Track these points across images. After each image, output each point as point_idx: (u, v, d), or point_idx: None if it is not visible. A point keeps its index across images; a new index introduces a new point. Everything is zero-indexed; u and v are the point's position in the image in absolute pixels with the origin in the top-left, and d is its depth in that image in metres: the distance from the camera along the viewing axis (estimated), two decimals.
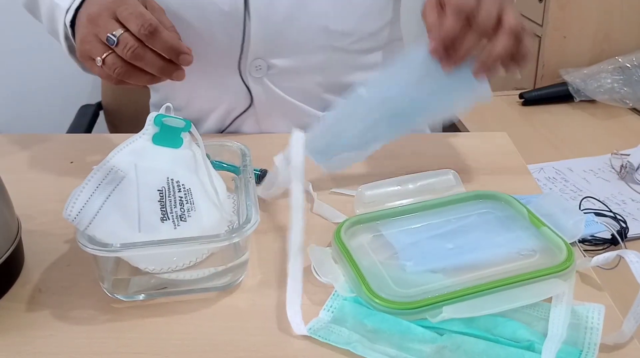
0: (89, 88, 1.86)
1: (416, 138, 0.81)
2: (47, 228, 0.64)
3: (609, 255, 0.53)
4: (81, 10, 0.66)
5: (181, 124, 0.55)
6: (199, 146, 0.57)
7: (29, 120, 1.85)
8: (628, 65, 1.38)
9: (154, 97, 0.97)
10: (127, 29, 0.60)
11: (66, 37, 0.71)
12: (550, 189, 1.08)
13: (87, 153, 0.79)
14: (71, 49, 0.73)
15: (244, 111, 0.85)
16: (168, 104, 0.55)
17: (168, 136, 0.55)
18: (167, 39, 0.60)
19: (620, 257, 0.52)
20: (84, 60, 0.64)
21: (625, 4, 1.42)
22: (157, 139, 0.54)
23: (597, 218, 0.95)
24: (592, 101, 1.38)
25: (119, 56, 0.60)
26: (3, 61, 1.75)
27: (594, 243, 0.92)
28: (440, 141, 0.81)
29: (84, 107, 1.73)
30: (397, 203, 0.63)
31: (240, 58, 0.79)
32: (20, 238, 0.58)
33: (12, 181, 0.58)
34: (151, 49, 0.60)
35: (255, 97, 0.83)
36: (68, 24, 0.68)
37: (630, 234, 0.93)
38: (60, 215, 0.50)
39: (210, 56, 0.80)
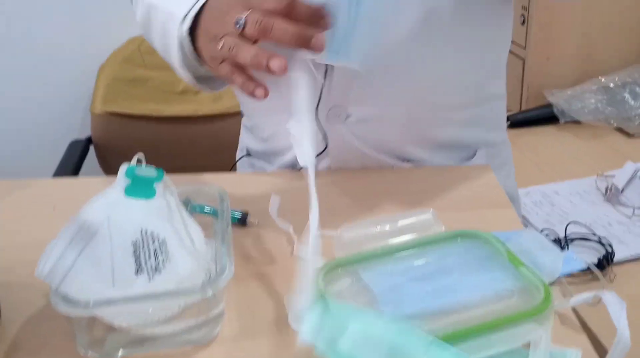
0: (78, 123, 1.86)
1: (395, 174, 0.81)
2: (26, 280, 0.63)
3: (587, 296, 0.53)
4: (203, 14, 0.65)
5: (153, 174, 0.55)
6: (173, 195, 0.57)
7: (18, 156, 1.86)
8: (611, 85, 1.39)
9: (245, 121, 0.95)
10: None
11: (180, 48, 0.69)
12: (537, 214, 1.08)
13: (71, 198, 0.78)
14: (186, 62, 0.71)
15: (319, 154, 0.81)
16: (140, 155, 0.55)
17: (140, 187, 0.55)
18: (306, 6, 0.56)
19: (600, 297, 0.52)
20: (207, 50, 0.63)
21: (606, 25, 1.43)
22: (130, 191, 0.54)
23: (581, 248, 0.95)
24: (578, 122, 1.38)
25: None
26: None
27: (581, 269, 0.91)
28: (421, 176, 0.81)
29: (74, 143, 1.74)
30: (377, 244, 0.63)
31: (318, 103, 0.76)
32: None
33: None
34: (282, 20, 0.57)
35: (331, 143, 0.79)
36: (185, 32, 0.66)
37: (616, 258, 0.93)
38: None
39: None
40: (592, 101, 1.38)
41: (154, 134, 1.76)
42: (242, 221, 0.70)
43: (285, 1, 0.56)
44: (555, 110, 1.40)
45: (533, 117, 1.43)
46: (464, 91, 0.80)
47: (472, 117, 0.83)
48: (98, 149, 1.75)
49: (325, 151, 0.80)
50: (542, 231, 1.01)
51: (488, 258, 0.59)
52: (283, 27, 0.56)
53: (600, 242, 0.95)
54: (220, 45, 0.59)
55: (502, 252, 0.59)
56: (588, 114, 1.37)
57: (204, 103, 1.78)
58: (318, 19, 0.56)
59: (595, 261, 0.93)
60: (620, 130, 1.36)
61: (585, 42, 1.44)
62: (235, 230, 0.69)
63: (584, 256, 0.95)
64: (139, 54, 1.78)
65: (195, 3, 0.66)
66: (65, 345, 0.54)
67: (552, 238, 0.98)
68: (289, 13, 0.57)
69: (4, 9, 1.67)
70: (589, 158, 1.27)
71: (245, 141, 0.93)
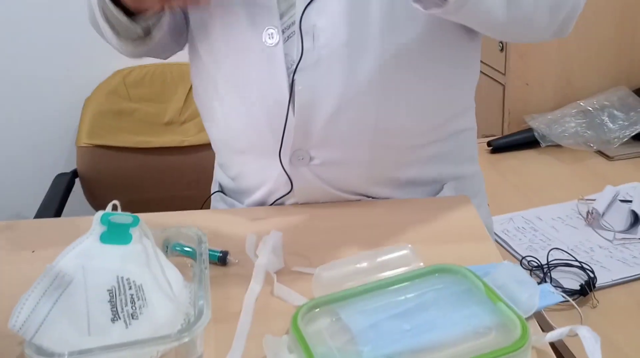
0: (64, 156, 1.86)
1: (373, 206, 0.81)
2: (2, 330, 0.62)
3: (563, 330, 0.53)
4: None
5: (129, 220, 0.55)
6: (149, 240, 0.57)
7: (2, 192, 1.85)
8: (590, 108, 1.41)
9: (217, 157, 0.94)
10: None
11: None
12: (520, 240, 1.09)
13: (52, 240, 0.78)
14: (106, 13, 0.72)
15: (285, 194, 0.81)
16: (115, 202, 0.55)
17: (116, 234, 0.55)
18: None
19: (575, 332, 0.52)
20: None
21: (583, 50, 1.46)
22: (105, 238, 0.54)
23: (564, 274, 0.95)
24: (559, 146, 1.40)
25: None
26: None
27: (563, 295, 0.92)
28: (398, 208, 0.81)
29: (60, 176, 1.74)
30: (355, 283, 0.63)
31: (280, 147, 0.76)
32: None
33: None
34: None
35: (295, 184, 0.79)
36: None
37: (598, 283, 0.94)
38: None
39: (253, 141, 0.79)
40: (572, 124, 1.40)
41: (139, 165, 1.77)
42: (222, 260, 0.70)
43: None
44: (536, 134, 1.41)
45: (514, 142, 1.44)
46: (431, 130, 0.80)
47: (439, 153, 0.82)
48: (84, 182, 1.75)
49: (291, 191, 0.81)
50: (524, 258, 1.02)
51: (466, 293, 0.60)
52: None
53: (582, 268, 0.95)
54: None
55: (480, 287, 0.59)
56: (568, 137, 1.39)
57: (190, 134, 1.79)
58: None
59: (578, 287, 0.93)
60: (600, 153, 1.37)
61: (563, 67, 1.46)
62: (215, 269, 0.69)
63: (567, 282, 0.96)
64: (124, 87, 1.79)
65: None
66: None
67: (535, 265, 0.99)
68: None
69: None
70: (570, 181, 1.28)
71: (218, 176, 0.94)
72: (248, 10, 0.72)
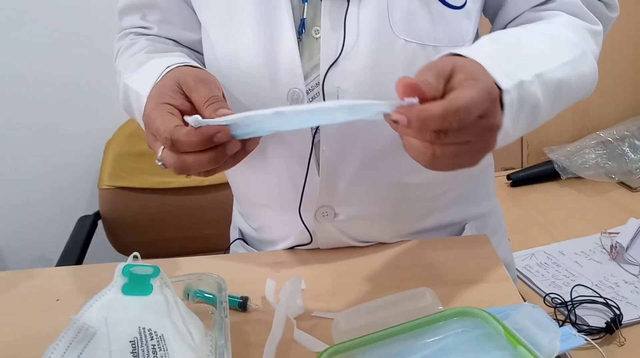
0: (86, 199, 1.89)
1: (392, 248, 0.81)
2: None
3: None
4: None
5: (149, 271, 0.56)
6: (170, 289, 0.58)
7: (27, 235, 1.88)
8: (610, 139, 1.40)
9: (237, 205, 0.96)
10: None
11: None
12: (543, 276, 1.07)
13: (75, 288, 0.80)
14: None
15: (308, 243, 0.82)
16: (135, 253, 0.56)
17: (137, 285, 0.56)
18: (190, 141, 0.56)
19: None
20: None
21: (600, 80, 1.45)
22: (127, 289, 0.55)
23: (588, 311, 0.94)
24: (579, 178, 1.39)
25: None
26: (1, 175, 1.80)
27: (589, 333, 0.90)
28: (418, 249, 0.81)
29: (82, 219, 1.76)
30: (374, 328, 0.63)
31: (300, 203, 0.77)
32: None
33: None
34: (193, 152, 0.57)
35: (319, 238, 0.80)
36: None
37: (625, 320, 0.92)
38: None
39: (274, 196, 0.80)
40: (592, 156, 1.39)
41: (160, 206, 1.78)
42: (242, 306, 0.70)
43: (169, 146, 0.57)
44: (556, 167, 1.41)
45: (534, 174, 1.43)
46: (453, 177, 0.80)
47: (459, 196, 0.83)
48: (106, 223, 1.77)
49: (312, 242, 0.81)
50: (547, 295, 1.00)
51: (486, 337, 0.59)
52: (197, 163, 0.57)
53: (607, 304, 0.94)
54: (159, 158, 0.60)
55: (500, 331, 0.59)
56: (589, 169, 1.38)
57: None
58: (210, 141, 0.56)
59: (604, 325, 0.91)
60: (622, 184, 1.36)
61: None
62: (236, 315, 0.70)
63: (592, 320, 0.94)
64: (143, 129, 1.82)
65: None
66: None
67: (558, 302, 0.97)
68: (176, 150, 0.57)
69: (10, 88, 1.72)
70: (592, 214, 1.26)
71: (238, 221, 0.94)
72: (271, 70, 0.71)
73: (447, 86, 0.53)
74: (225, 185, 1.80)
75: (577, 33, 0.69)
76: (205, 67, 0.77)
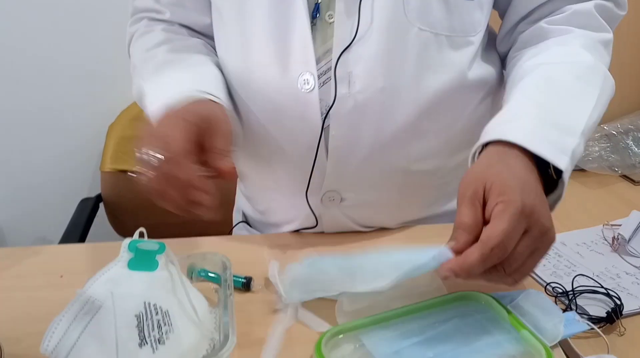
0: (88, 181, 1.89)
1: (396, 233, 0.81)
2: (32, 352, 0.63)
3: None
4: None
5: (155, 247, 0.56)
6: (175, 266, 0.58)
7: (29, 216, 1.88)
8: (614, 132, 1.40)
9: (242, 188, 0.96)
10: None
11: None
12: (544, 265, 1.07)
13: (79, 265, 0.80)
14: None
15: (313, 227, 0.83)
16: (141, 229, 0.57)
17: (143, 260, 0.56)
18: (201, 189, 0.58)
19: None
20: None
21: None
22: (133, 265, 0.55)
23: (589, 301, 0.93)
24: (582, 170, 1.39)
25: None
26: (2, 158, 1.80)
27: (589, 323, 0.90)
28: (420, 236, 0.81)
29: (84, 201, 1.77)
30: (378, 309, 0.63)
31: (307, 187, 0.77)
32: None
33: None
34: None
35: (324, 222, 0.81)
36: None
37: (625, 310, 0.92)
38: None
39: (281, 179, 0.80)
40: (596, 149, 1.38)
41: None
42: (246, 286, 0.71)
43: (184, 174, 0.58)
44: None
45: None
46: (459, 166, 0.81)
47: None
48: (107, 206, 1.77)
49: (318, 226, 0.82)
50: (549, 284, 1.00)
51: (489, 321, 0.59)
52: (172, 198, 0.58)
53: (608, 295, 0.94)
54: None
55: (504, 315, 0.59)
56: (592, 162, 1.38)
57: None
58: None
59: (604, 314, 0.91)
60: (625, 177, 1.36)
61: None
62: (240, 295, 0.70)
63: (592, 309, 0.94)
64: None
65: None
66: None
67: (559, 291, 0.97)
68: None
69: (13, 72, 1.72)
70: (594, 206, 1.26)
71: (242, 204, 0.94)
72: (284, 53, 0.70)
73: (484, 211, 0.55)
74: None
75: (593, 52, 0.70)
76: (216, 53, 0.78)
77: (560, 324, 0.56)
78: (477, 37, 0.73)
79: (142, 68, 0.76)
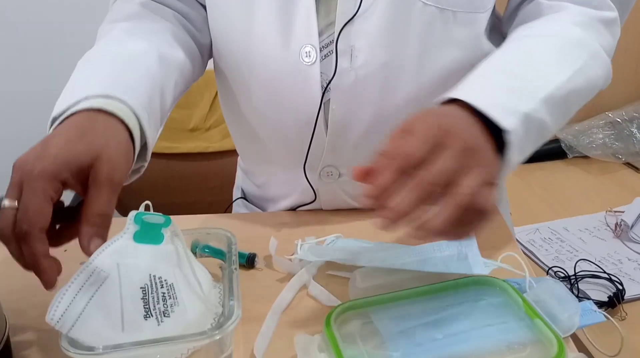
0: None
1: None
2: (37, 323, 0.64)
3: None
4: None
5: (161, 220, 0.56)
6: (180, 240, 0.58)
7: None
8: (618, 120, 1.40)
9: (241, 163, 0.95)
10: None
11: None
12: (547, 250, 1.08)
13: None
14: None
15: (310, 202, 0.83)
16: (147, 202, 0.56)
17: (149, 233, 0.56)
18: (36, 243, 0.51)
19: None
20: None
21: (611, 61, 1.44)
22: (138, 237, 0.55)
23: (591, 285, 0.94)
24: (586, 157, 1.39)
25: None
26: (4, 138, 1.80)
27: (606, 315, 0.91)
28: None
29: None
30: (391, 288, 0.62)
31: (305, 161, 0.77)
32: (9, 336, 0.58)
33: (1, 273, 0.59)
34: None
35: (322, 197, 0.81)
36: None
37: (627, 296, 0.93)
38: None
39: (280, 153, 0.80)
40: (600, 136, 1.38)
41: (164, 171, 1.78)
42: (250, 263, 0.71)
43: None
44: (563, 145, 1.40)
45: (541, 152, 1.42)
46: None
47: None
48: None
49: (316, 201, 0.82)
50: (551, 268, 1.01)
51: (503, 306, 0.59)
52: (30, 251, 0.52)
53: (610, 280, 0.94)
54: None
55: (518, 302, 0.58)
56: (596, 149, 1.38)
57: (214, 140, 1.80)
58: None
59: (606, 299, 0.92)
60: (629, 165, 1.36)
61: None
62: (243, 272, 0.70)
63: (594, 294, 0.95)
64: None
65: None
66: None
67: (562, 276, 0.97)
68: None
69: (14, 46, 1.72)
70: (598, 193, 1.27)
71: (241, 181, 0.94)
72: (286, 23, 0.70)
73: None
74: (229, 153, 1.80)
75: (587, 29, 0.67)
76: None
77: (576, 315, 0.55)
78: (485, 15, 0.72)
79: (96, 47, 0.73)
